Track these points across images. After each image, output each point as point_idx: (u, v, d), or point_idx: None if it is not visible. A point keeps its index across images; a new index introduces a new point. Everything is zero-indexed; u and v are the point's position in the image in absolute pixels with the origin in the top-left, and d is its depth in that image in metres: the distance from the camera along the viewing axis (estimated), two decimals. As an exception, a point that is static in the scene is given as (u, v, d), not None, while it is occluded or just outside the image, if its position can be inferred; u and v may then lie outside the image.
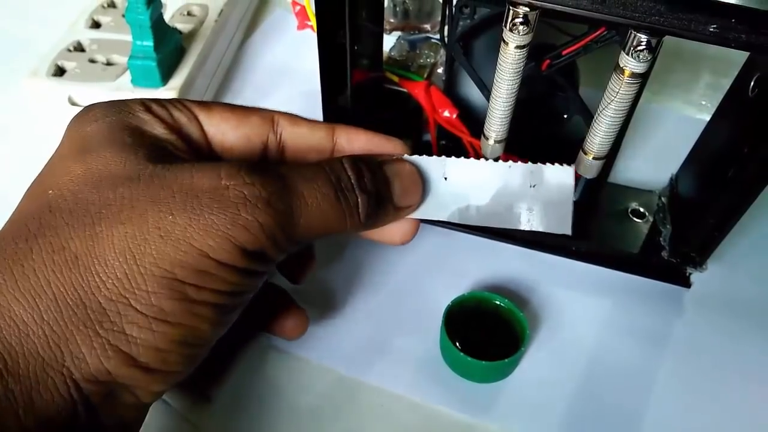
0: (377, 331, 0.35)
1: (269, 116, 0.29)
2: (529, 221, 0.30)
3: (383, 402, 0.32)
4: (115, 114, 0.26)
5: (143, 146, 0.25)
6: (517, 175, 0.30)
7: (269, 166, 0.25)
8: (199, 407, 0.31)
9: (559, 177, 0.29)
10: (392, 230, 0.30)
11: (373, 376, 0.33)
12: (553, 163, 0.29)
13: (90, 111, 0.26)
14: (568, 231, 0.30)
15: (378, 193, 0.27)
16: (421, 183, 0.29)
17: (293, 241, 0.25)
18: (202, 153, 0.28)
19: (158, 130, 0.26)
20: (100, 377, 0.22)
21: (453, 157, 0.30)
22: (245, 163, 0.25)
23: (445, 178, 0.30)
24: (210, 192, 0.23)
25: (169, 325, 0.23)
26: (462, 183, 0.30)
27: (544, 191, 0.30)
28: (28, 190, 0.25)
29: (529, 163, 0.30)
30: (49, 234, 0.22)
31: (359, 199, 0.26)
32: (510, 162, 0.30)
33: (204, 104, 0.28)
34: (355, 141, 0.30)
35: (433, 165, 0.30)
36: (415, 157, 0.30)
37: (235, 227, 0.23)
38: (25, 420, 0.20)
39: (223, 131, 0.28)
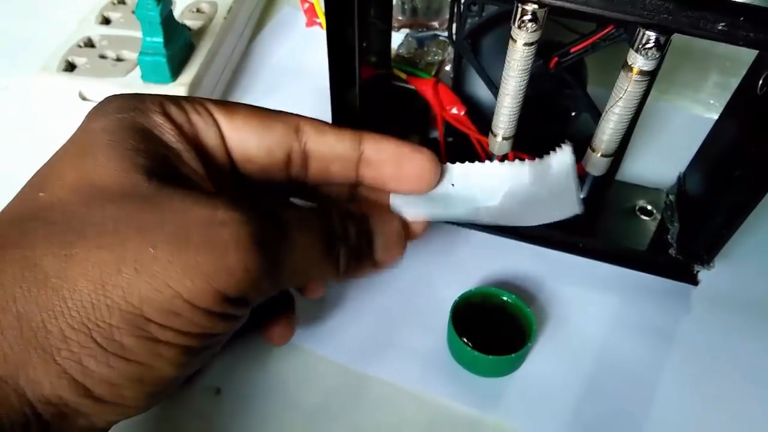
0: (385, 326, 0.35)
1: (294, 124, 0.27)
2: (539, 216, 0.30)
3: (390, 395, 0.32)
4: (128, 111, 0.25)
5: (144, 155, 0.24)
6: (525, 175, 0.30)
7: (267, 205, 0.25)
8: (208, 399, 0.32)
9: (560, 160, 0.29)
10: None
11: (380, 370, 0.33)
12: (554, 150, 0.30)
13: (107, 104, 0.26)
14: (578, 210, 0.29)
15: (359, 248, 0.27)
16: (404, 241, 0.29)
17: (275, 287, 0.25)
18: (215, 163, 0.27)
19: (168, 137, 0.25)
20: (52, 401, 0.21)
21: (457, 164, 0.30)
22: (244, 201, 0.24)
23: (452, 185, 0.30)
24: (202, 226, 0.22)
25: (127, 363, 0.22)
26: (470, 188, 0.30)
27: (551, 181, 0.29)
28: (22, 187, 0.25)
29: (535, 159, 0.30)
30: (26, 246, 0.22)
31: (341, 252, 0.27)
32: (516, 161, 0.30)
33: (227, 107, 0.27)
34: (384, 150, 0.29)
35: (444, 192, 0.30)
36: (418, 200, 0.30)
37: (218, 271, 0.22)
38: None
39: (244, 139, 0.27)
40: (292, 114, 0.28)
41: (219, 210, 0.23)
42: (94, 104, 0.41)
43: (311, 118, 0.28)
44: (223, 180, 0.27)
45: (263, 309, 0.30)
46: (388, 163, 0.29)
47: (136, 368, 0.22)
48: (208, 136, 0.26)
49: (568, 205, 0.30)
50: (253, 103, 0.47)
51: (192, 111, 0.26)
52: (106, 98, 0.26)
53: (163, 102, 0.26)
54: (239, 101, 0.47)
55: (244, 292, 0.23)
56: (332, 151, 0.28)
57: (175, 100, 0.26)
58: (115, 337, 0.21)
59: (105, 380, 0.22)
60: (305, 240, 0.25)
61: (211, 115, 0.26)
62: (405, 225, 0.30)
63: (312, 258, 0.25)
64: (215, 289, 0.22)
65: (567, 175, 0.29)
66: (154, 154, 0.24)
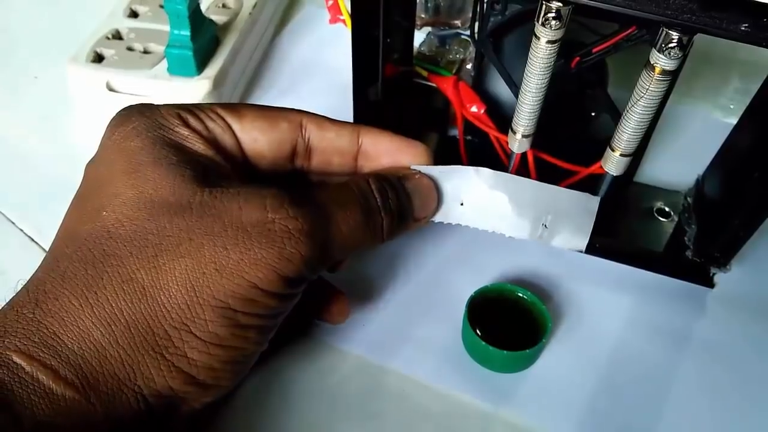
0: (401, 319, 0.35)
1: (297, 120, 0.30)
2: (542, 236, 0.31)
3: (405, 387, 0.33)
4: (155, 129, 0.27)
5: (188, 166, 0.26)
6: (539, 195, 0.31)
7: (308, 196, 0.27)
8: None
9: (585, 204, 0.30)
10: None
11: (395, 363, 0.33)
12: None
13: (129, 122, 0.27)
14: (582, 248, 0.31)
15: (400, 211, 0.30)
16: (437, 195, 0.31)
17: (327, 263, 0.28)
18: (236, 161, 0.29)
19: (198, 146, 0.27)
20: (164, 393, 0.24)
21: (473, 177, 0.31)
22: (287, 194, 0.26)
23: (462, 204, 0.31)
24: (258, 226, 0.25)
25: (223, 348, 0.25)
26: (478, 206, 0.31)
27: (566, 214, 0.31)
28: (76, 205, 0.27)
29: (555, 186, 0.31)
30: (116, 263, 0.24)
31: (384, 221, 0.29)
32: (534, 182, 0.31)
33: (235, 110, 0.29)
34: (380, 143, 0.31)
35: (450, 183, 0.31)
36: (434, 173, 0.31)
37: (281, 260, 0.25)
38: (102, 428, 0.23)
39: (254, 138, 0.29)
40: (294, 110, 0.30)
41: (268, 208, 0.25)
42: (121, 95, 0.42)
43: (313, 114, 0.30)
44: (243, 178, 0.29)
45: (309, 299, 0.32)
46: (385, 155, 0.31)
47: (230, 352, 0.25)
48: (225, 140, 0.29)
49: (577, 238, 0.31)
50: (276, 98, 0.48)
51: (207, 118, 0.28)
52: (123, 115, 0.28)
53: (180, 114, 0.28)
54: (262, 96, 0.48)
55: (302, 273, 0.26)
56: (333, 145, 0.30)
57: (188, 109, 0.28)
58: (210, 329, 0.24)
59: (207, 367, 0.25)
60: (345, 216, 0.27)
61: (223, 119, 0.29)
62: (435, 183, 0.31)
63: (355, 230, 0.28)
64: (280, 275, 0.25)
65: (589, 214, 0.30)
66: (194, 165, 0.27)
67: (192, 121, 0.28)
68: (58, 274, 0.24)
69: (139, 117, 0.27)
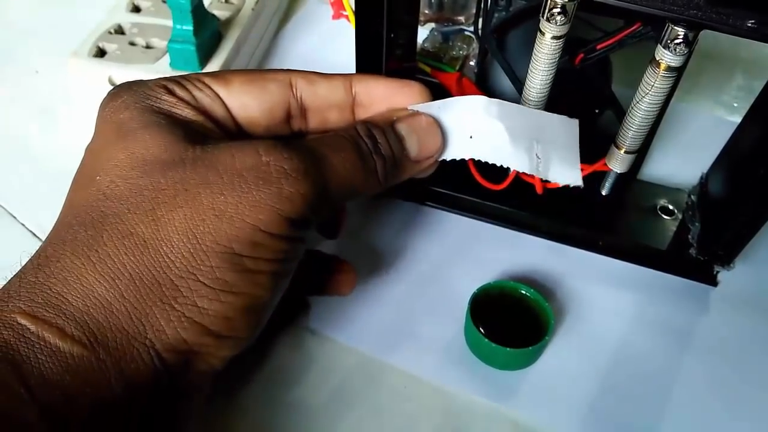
0: (404, 315, 0.35)
1: (286, 80, 0.29)
2: (539, 168, 0.30)
3: (406, 384, 0.32)
4: (143, 100, 0.27)
5: (179, 128, 0.26)
6: (526, 121, 0.30)
7: (299, 141, 0.27)
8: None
9: (566, 122, 0.30)
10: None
11: (398, 359, 0.33)
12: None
13: (118, 97, 0.27)
14: (579, 182, 0.30)
15: (393, 155, 0.29)
16: (440, 133, 0.30)
17: (328, 205, 0.27)
18: (229, 130, 0.29)
19: (187, 113, 0.27)
20: (178, 347, 0.24)
21: (473, 105, 0.30)
22: (279, 142, 0.26)
23: (471, 137, 0.30)
24: (253, 170, 0.25)
25: (234, 295, 0.24)
26: (486, 138, 0.30)
27: (554, 136, 0.30)
28: (74, 180, 0.27)
29: (538, 110, 0.30)
30: (114, 220, 0.24)
31: (377, 164, 0.28)
32: (521, 107, 0.30)
33: (221, 77, 0.29)
34: (374, 90, 0.30)
35: (453, 117, 0.30)
36: (432, 110, 0.30)
37: (281, 200, 0.25)
38: (116, 385, 0.23)
39: (245, 105, 0.29)
40: (283, 70, 0.30)
41: (261, 152, 0.25)
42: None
43: (302, 71, 0.30)
44: None
45: (311, 274, 0.33)
46: (380, 101, 0.30)
47: (243, 299, 0.25)
48: (215, 109, 0.28)
49: (569, 170, 0.30)
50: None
51: (193, 88, 0.28)
52: (113, 92, 0.28)
53: (166, 85, 0.28)
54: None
55: (305, 213, 0.26)
56: (326, 100, 0.30)
57: (174, 80, 0.28)
58: (218, 275, 0.24)
59: (220, 315, 0.24)
60: (338, 157, 0.27)
61: (210, 87, 0.28)
62: (435, 121, 0.31)
63: (350, 172, 0.28)
64: (282, 216, 0.25)
65: (572, 138, 0.30)
66: (185, 127, 0.27)
67: (178, 91, 0.28)
68: (59, 240, 0.24)
69: (127, 91, 0.27)
